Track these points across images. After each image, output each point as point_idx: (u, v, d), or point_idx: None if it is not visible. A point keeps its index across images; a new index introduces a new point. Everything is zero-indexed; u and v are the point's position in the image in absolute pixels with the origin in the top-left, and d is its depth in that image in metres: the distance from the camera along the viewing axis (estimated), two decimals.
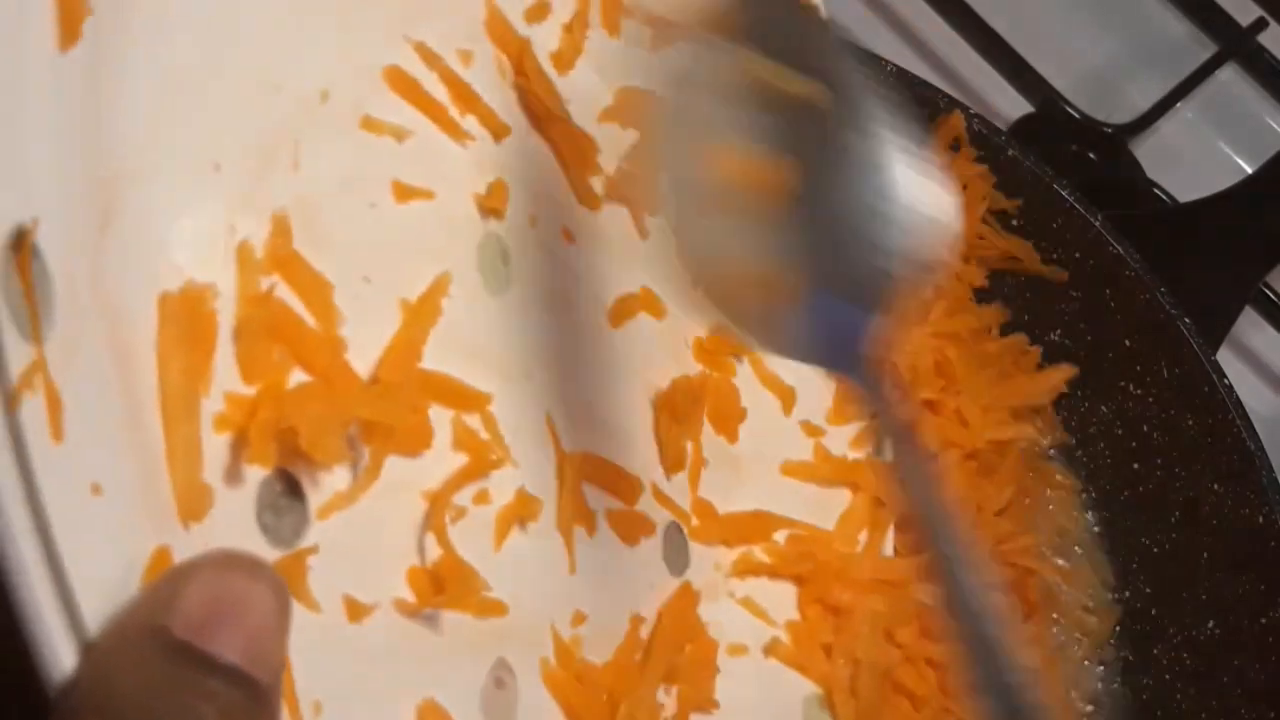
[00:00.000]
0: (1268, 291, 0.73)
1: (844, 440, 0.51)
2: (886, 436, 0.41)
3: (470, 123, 0.39)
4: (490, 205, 0.39)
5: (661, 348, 0.45)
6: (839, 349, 0.35)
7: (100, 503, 0.26)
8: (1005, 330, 0.65)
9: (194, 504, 0.29)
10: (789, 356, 0.39)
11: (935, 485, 0.33)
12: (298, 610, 0.30)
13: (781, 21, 0.37)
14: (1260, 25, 0.80)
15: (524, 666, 0.37)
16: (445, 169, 0.38)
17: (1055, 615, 0.61)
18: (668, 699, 0.41)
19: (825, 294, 0.35)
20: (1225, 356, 0.65)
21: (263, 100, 0.33)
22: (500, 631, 0.36)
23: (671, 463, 0.44)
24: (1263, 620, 0.59)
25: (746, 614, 0.46)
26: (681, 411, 0.44)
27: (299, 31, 0.34)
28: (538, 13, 0.43)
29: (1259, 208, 0.68)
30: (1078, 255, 0.64)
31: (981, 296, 0.65)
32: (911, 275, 0.35)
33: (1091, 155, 0.74)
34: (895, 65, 0.64)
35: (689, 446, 0.44)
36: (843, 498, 0.50)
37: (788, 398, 0.49)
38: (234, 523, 0.30)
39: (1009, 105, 0.75)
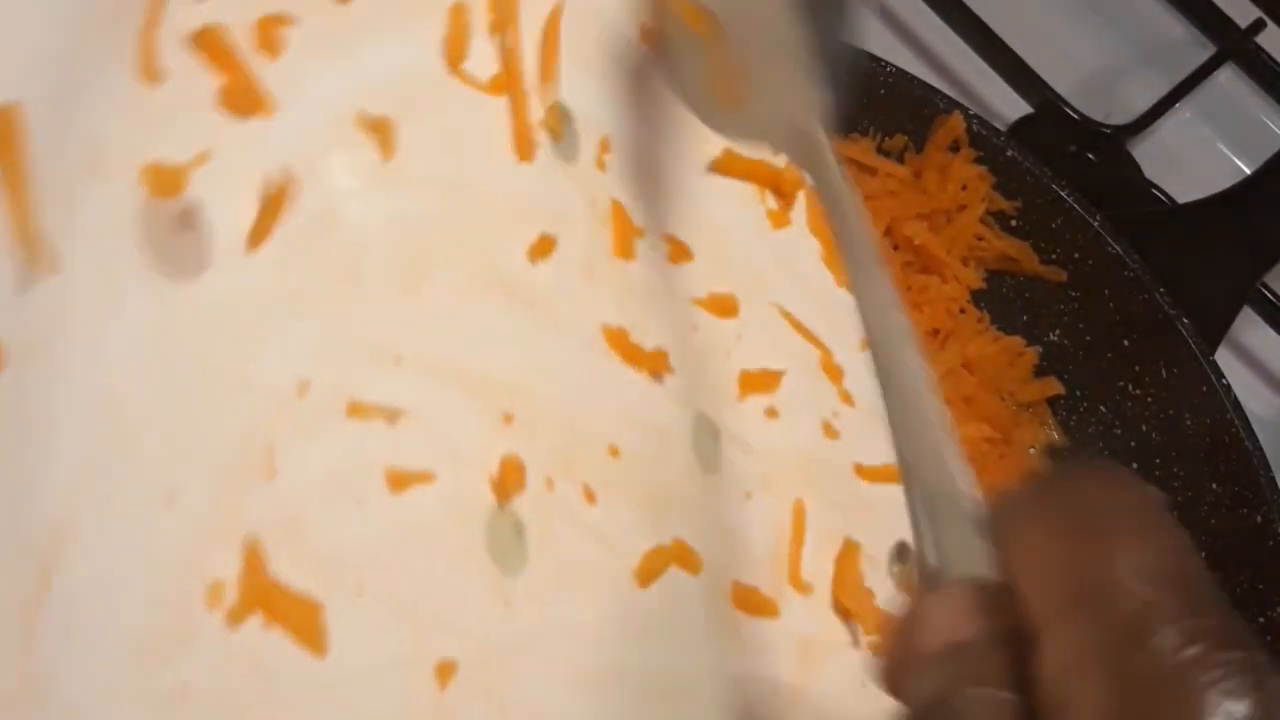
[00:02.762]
0: (1266, 292, 0.73)
1: None
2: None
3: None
4: (505, 486, 0.35)
5: (699, 604, 0.40)
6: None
7: None
8: (1004, 331, 0.65)
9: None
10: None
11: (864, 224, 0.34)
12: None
13: None
14: (1259, 26, 0.80)
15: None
16: (447, 442, 0.34)
17: None
18: None
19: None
20: (1223, 356, 0.65)
21: (228, 405, 0.29)
22: None
23: None
24: (1261, 619, 0.59)
25: None
26: None
27: (276, 319, 0.31)
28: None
29: (1257, 208, 0.68)
30: (1076, 256, 0.64)
31: (980, 297, 0.65)
32: None
33: (1090, 156, 0.74)
34: (895, 65, 0.64)
35: None
36: None
37: None
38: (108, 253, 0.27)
39: (1008, 106, 0.75)
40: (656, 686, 0.38)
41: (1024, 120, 0.75)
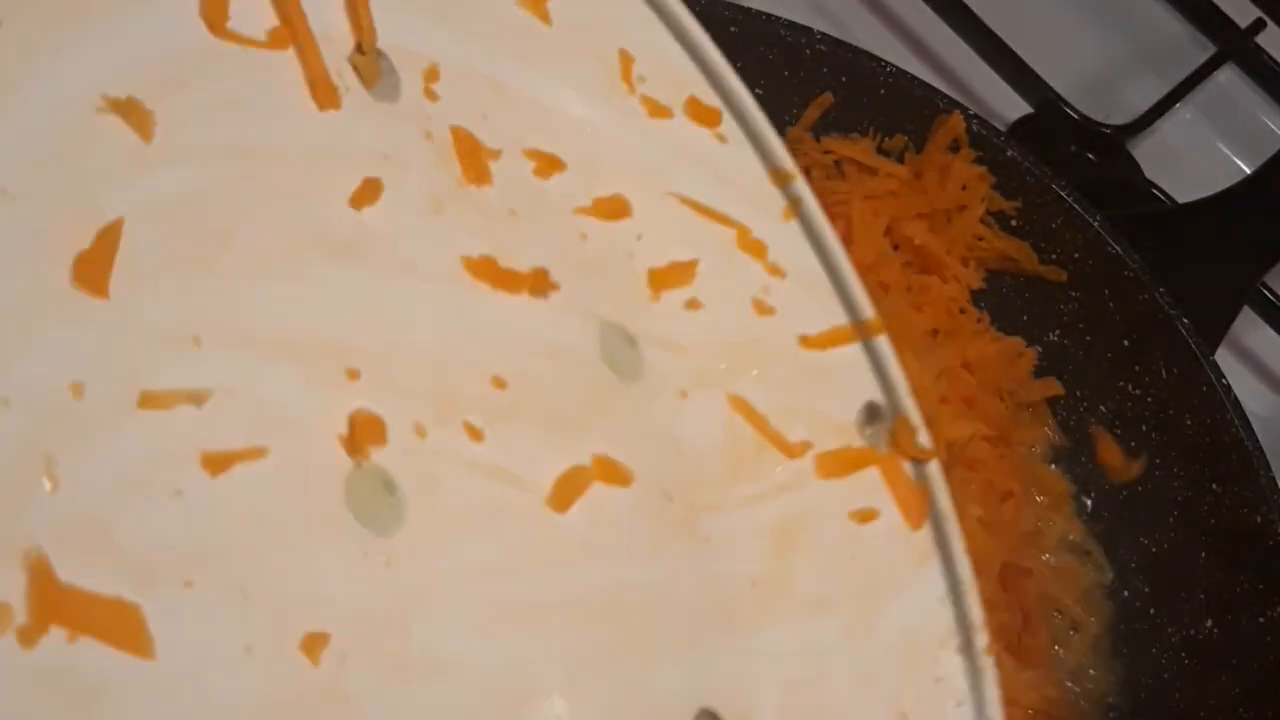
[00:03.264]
0: (1266, 292, 0.73)
1: None
2: None
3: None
4: (358, 443, 0.33)
5: (639, 516, 0.39)
6: None
7: None
8: (1004, 331, 0.65)
9: None
10: None
11: None
12: None
13: None
14: (1259, 26, 0.80)
15: None
16: (273, 412, 0.32)
17: (1054, 615, 0.61)
18: None
19: None
20: (1223, 356, 0.65)
21: None
22: None
23: None
24: (1260, 620, 0.59)
25: None
26: None
27: (36, 324, 0.29)
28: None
29: (1257, 208, 0.68)
30: (1076, 255, 0.64)
31: (980, 297, 0.65)
32: None
33: (1090, 156, 0.74)
34: (895, 65, 0.64)
35: None
36: None
37: None
38: None
39: (1008, 106, 0.75)
40: (600, 609, 0.37)
41: (1024, 120, 0.75)
